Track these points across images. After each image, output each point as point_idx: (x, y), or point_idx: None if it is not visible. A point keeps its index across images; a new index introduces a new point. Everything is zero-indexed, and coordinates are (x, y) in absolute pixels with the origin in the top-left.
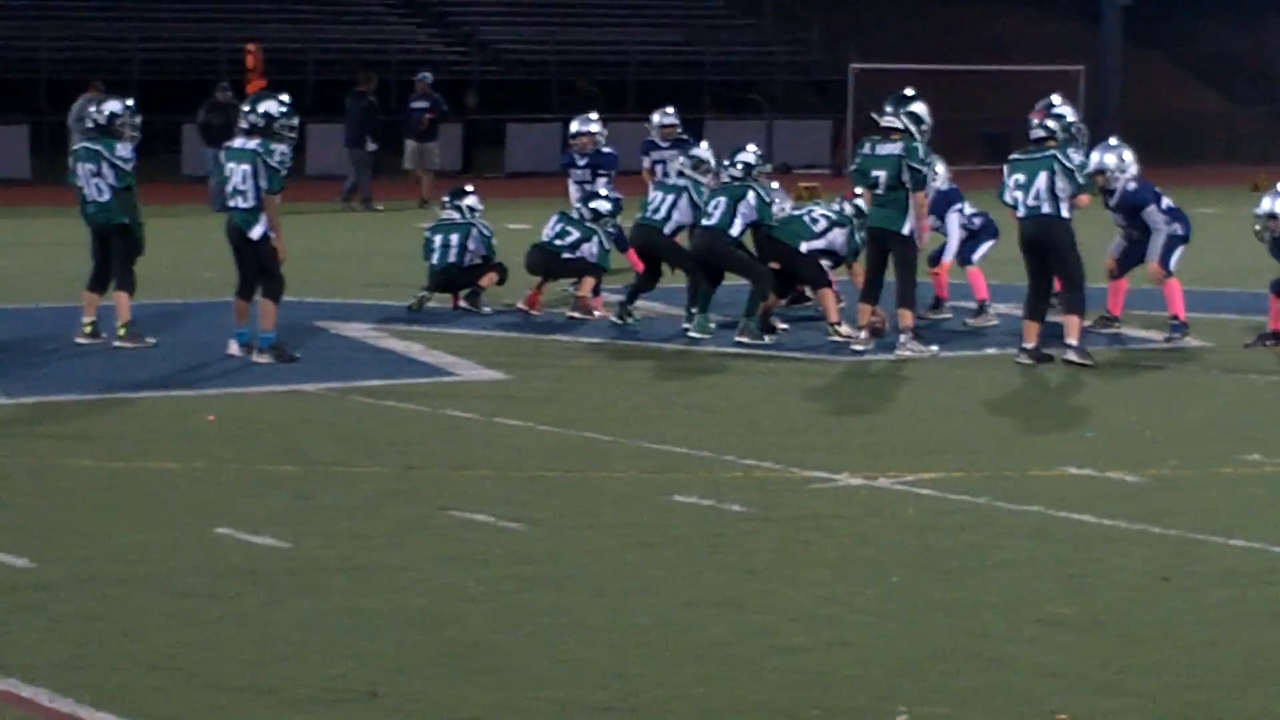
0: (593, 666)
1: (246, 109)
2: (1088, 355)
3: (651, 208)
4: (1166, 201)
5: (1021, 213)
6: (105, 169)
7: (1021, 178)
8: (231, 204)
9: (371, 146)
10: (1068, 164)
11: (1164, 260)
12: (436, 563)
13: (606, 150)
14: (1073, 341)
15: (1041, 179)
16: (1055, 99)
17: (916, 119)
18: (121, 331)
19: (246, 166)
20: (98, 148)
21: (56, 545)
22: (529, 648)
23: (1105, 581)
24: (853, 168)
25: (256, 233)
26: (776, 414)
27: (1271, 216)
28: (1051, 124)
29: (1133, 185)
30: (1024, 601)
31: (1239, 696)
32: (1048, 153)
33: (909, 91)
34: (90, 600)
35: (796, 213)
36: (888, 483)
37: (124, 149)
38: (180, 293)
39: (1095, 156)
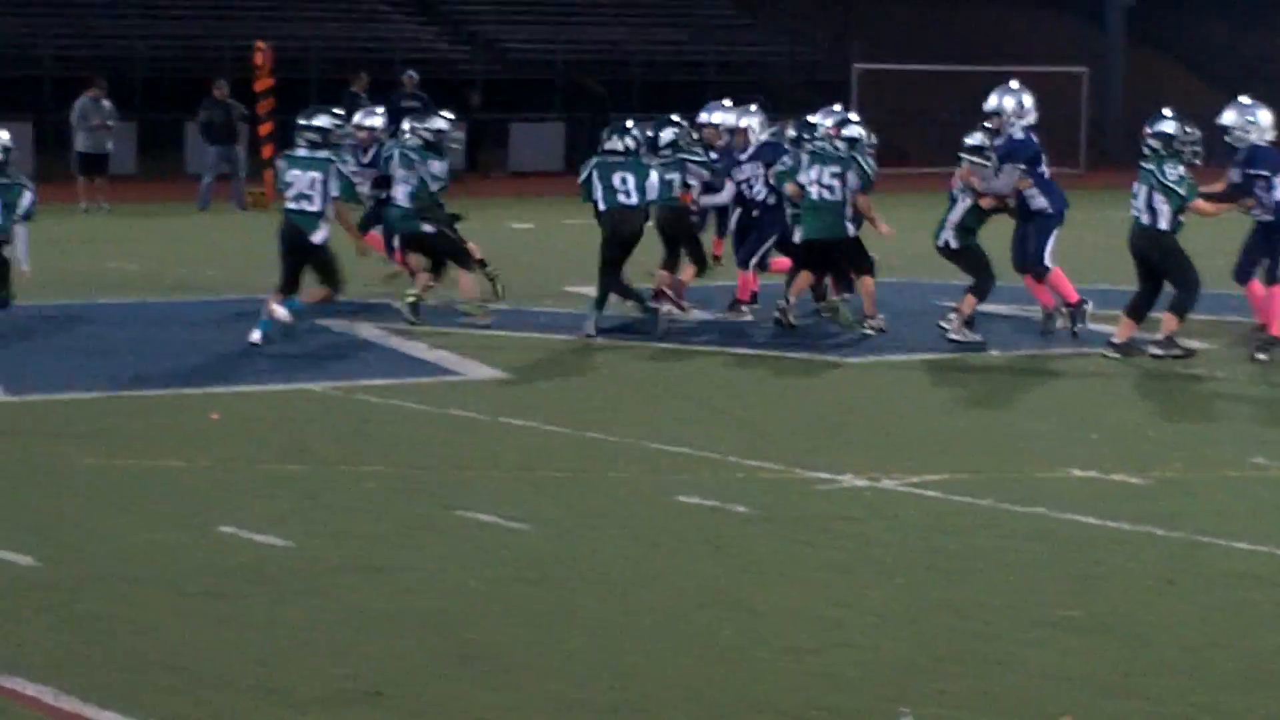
0: (599, 667)
1: (302, 123)
2: (1173, 347)
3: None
4: (1045, 170)
5: (1132, 221)
6: (331, 179)
7: (1135, 186)
8: (295, 207)
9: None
10: (1163, 179)
11: (1039, 251)
12: (442, 562)
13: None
14: (1158, 336)
15: (1144, 191)
16: (1166, 112)
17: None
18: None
19: (316, 174)
20: (415, 157)
21: (61, 544)
22: (535, 647)
23: (1110, 583)
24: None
25: (319, 237)
26: (781, 415)
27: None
28: (1154, 142)
29: (1019, 135)
30: (1028, 603)
31: (1244, 698)
32: (1148, 167)
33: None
34: (95, 599)
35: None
36: (892, 484)
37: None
38: (183, 291)
39: (993, 99)
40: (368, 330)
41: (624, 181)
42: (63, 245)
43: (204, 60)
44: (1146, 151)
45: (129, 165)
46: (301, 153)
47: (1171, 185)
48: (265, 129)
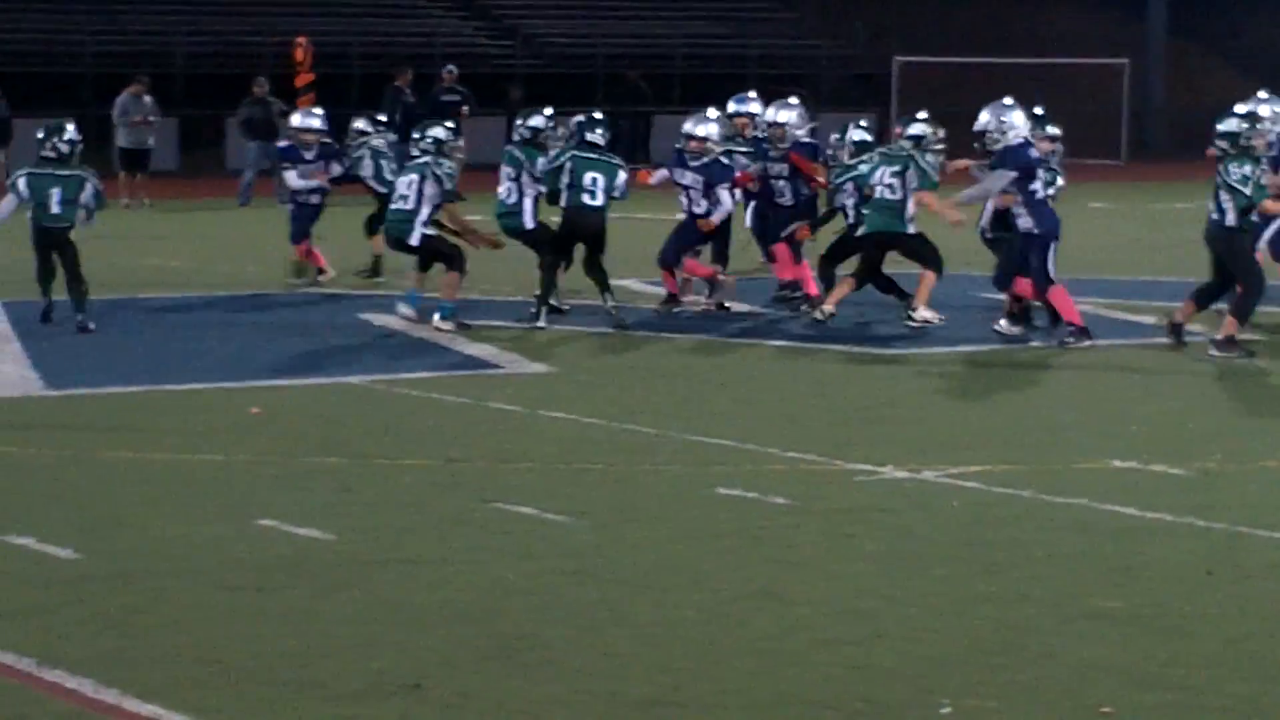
0: (638, 659)
1: (416, 136)
2: (1233, 348)
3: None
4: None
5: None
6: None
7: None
8: (394, 207)
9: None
10: (1227, 178)
11: (1041, 268)
12: (481, 555)
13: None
14: (1218, 337)
15: (1216, 188)
16: (1238, 109)
17: None
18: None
19: (414, 176)
20: (520, 156)
21: (101, 537)
22: (574, 641)
23: (1150, 575)
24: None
25: (415, 238)
26: (821, 407)
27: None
28: (1221, 141)
29: (1016, 142)
30: (1068, 595)
31: None
32: (1220, 165)
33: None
34: (135, 592)
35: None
36: (932, 476)
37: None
38: (223, 286)
39: (982, 117)
40: (407, 324)
41: (594, 181)
42: (104, 241)
43: (245, 57)
44: (1216, 150)
45: (170, 162)
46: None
47: (1235, 184)
48: None
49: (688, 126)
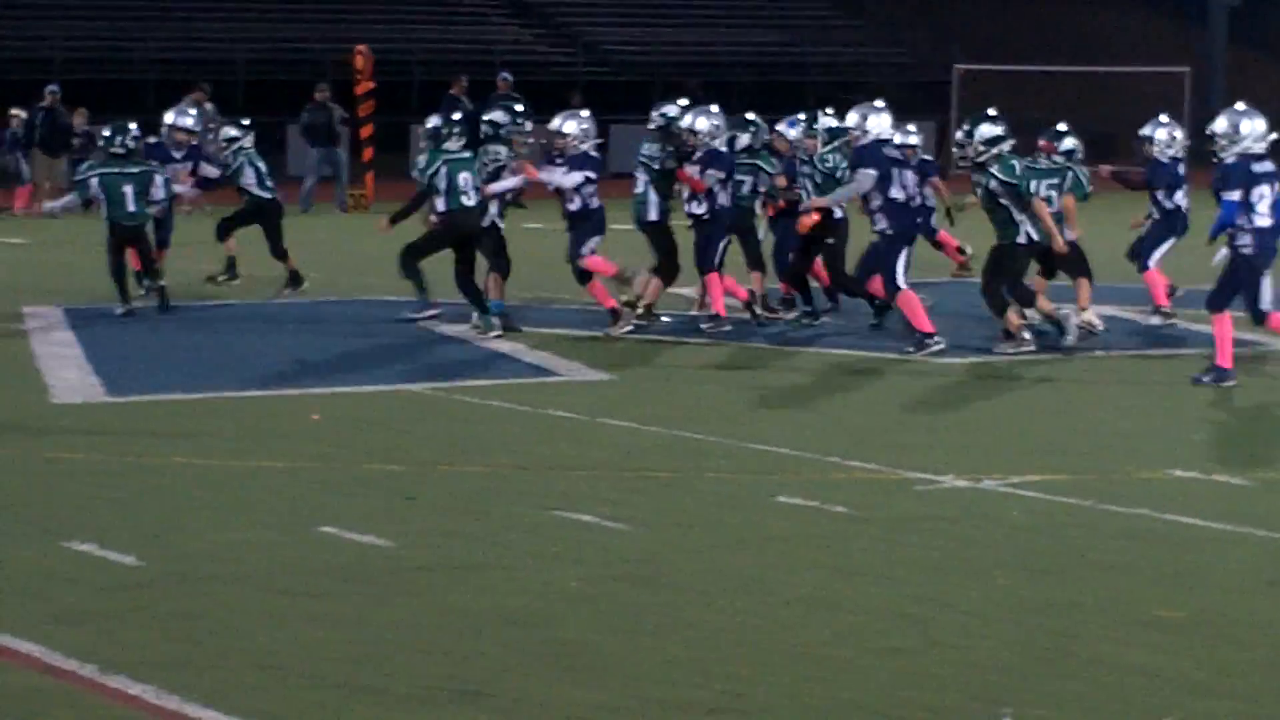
0: (695, 666)
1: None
2: None
3: None
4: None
5: None
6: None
7: None
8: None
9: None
10: None
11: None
12: (539, 562)
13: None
14: None
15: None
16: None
17: None
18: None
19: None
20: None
21: (162, 543)
22: (631, 647)
23: (1209, 584)
24: None
25: (485, 220)
26: (880, 415)
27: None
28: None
29: (869, 141)
30: (1128, 603)
31: None
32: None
33: None
34: (195, 598)
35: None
36: (991, 484)
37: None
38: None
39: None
40: (467, 331)
41: (466, 182)
42: (166, 247)
43: (305, 64)
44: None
45: None
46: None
47: None
48: (366, 132)
49: (554, 124)
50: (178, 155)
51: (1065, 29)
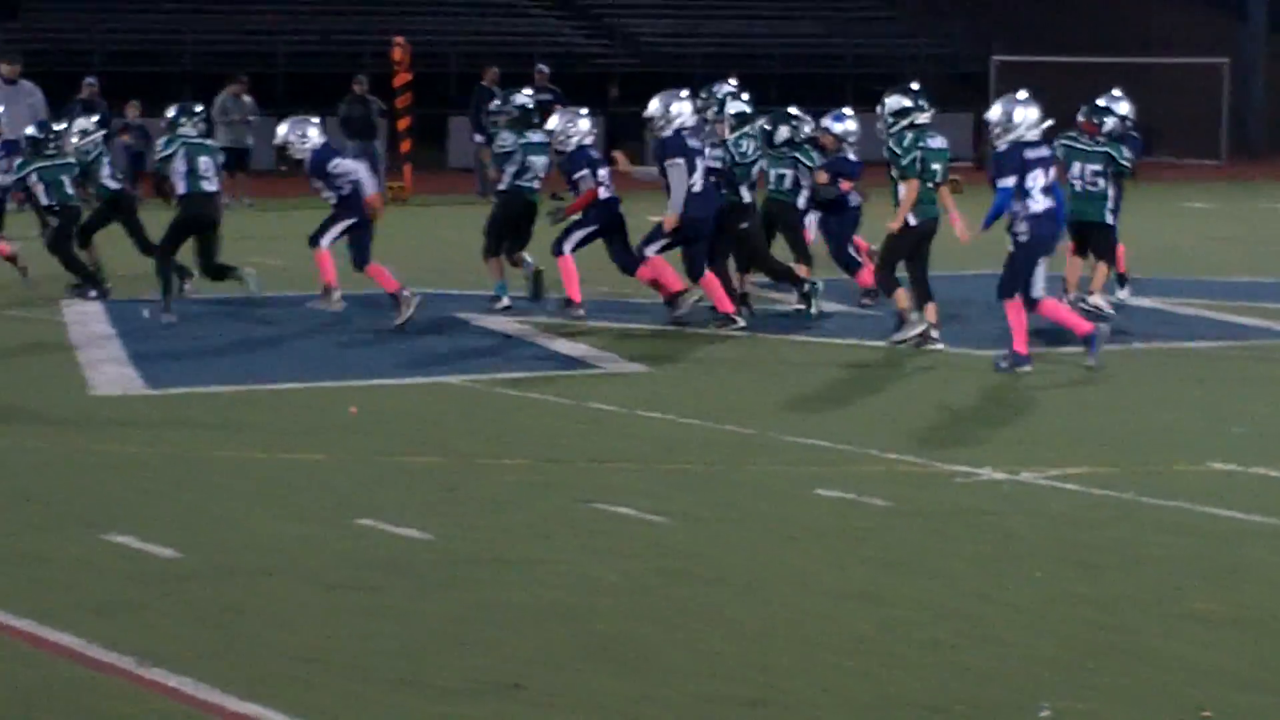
0: (737, 660)
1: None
2: None
3: None
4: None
5: None
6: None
7: None
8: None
9: (479, 139)
10: None
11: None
12: (579, 555)
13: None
14: None
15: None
16: None
17: None
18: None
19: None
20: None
21: (202, 536)
22: (672, 641)
23: (1251, 577)
24: None
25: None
26: (919, 407)
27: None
28: None
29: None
30: (1169, 597)
31: None
32: None
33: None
34: (235, 590)
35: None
36: (1031, 477)
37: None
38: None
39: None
40: (505, 323)
41: (207, 167)
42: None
43: (343, 56)
44: None
45: (270, 161)
46: (536, 137)
47: None
48: (404, 124)
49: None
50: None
51: (1105, 20)
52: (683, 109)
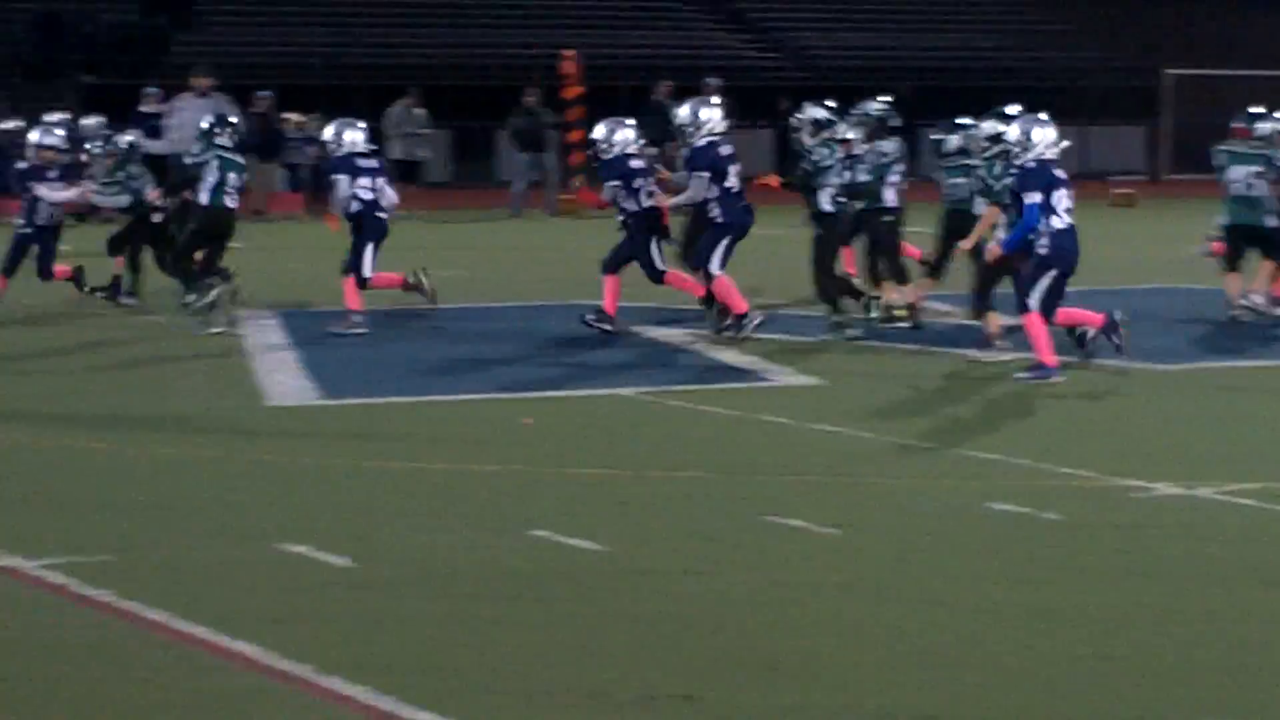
0: (909, 674)
1: None
2: None
3: None
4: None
5: None
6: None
7: None
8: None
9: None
10: None
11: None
12: (753, 568)
13: None
14: None
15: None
16: None
17: None
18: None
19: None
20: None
21: (376, 545)
22: (845, 654)
23: None
24: None
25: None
26: (1092, 421)
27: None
28: None
29: (704, 143)
30: None
31: None
32: None
33: None
34: (410, 600)
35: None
36: (1207, 493)
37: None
38: (496, 297)
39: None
40: (677, 336)
41: (234, 183)
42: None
43: (514, 69)
44: None
45: (443, 173)
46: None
47: None
48: (575, 136)
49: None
50: (51, 175)
51: (1277, 33)
52: (712, 114)
